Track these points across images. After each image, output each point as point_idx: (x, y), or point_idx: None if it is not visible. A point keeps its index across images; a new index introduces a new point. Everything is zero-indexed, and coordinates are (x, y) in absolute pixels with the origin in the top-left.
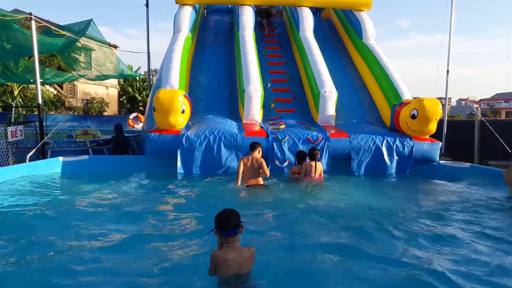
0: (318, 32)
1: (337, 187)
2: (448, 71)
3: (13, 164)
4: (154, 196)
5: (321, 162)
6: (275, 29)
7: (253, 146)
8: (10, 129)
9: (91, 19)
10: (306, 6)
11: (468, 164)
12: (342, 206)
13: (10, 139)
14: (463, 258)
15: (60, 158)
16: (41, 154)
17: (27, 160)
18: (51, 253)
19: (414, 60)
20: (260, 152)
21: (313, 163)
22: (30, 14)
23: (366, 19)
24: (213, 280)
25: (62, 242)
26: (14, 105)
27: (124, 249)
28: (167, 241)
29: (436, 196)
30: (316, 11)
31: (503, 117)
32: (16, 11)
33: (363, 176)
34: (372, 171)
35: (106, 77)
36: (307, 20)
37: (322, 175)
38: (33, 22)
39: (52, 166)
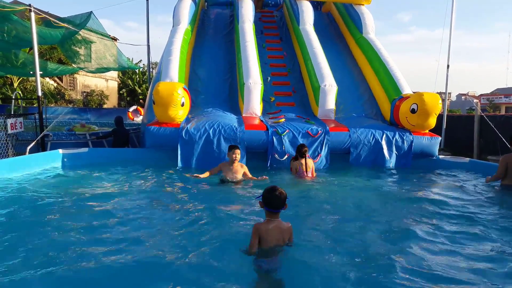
0: (318, 26)
1: (335, 184)
2: (448, 66)
3: (13, 156)
4: (154, 189)
5: (313, 159)
6: (274, 17)
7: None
8: (9, 121)
9: (91, 12)
10: (307, 0)
11: (467, 159)
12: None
13: (9, 131)
14: (467, 255)
15: (60, 151)
16: (41, 147)
17: (27, 153)
18: (51, 249)
19: (414, 55)
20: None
21: (303, 161)
22: (30, 5)
23: (366, 13)
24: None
25: (61, 234)
26: (13, 97)
27: (126, 242)
28: (172, 234)
29: (435, 191)
30: (317, 5)
31: (502, 112)
32: (16, 2)
33: (362, 170)
34: (371, 164)
35: (106, 69)
36: (307, 14)
37: (314, 173)
38: (32, 14)
39: (52, 159)
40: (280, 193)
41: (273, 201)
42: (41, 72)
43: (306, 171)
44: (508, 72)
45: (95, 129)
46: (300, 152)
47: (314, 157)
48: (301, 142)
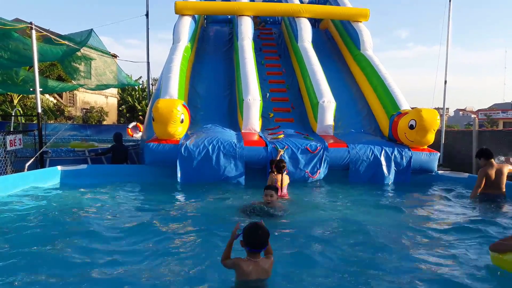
0: (316, 43)
1: (332, 199)
2: (445, 82)
3: (12, 173)
4: (153, 206)
5: (312, 174)
6: (273, 34)
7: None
8: (9, 138)
9: (92, 29)
10: (305, 17)
11: (466, 174)
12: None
13: (8, 148)
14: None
15: (59, 167)
16: (40, 163)
17: (26, 169)
18: (47, 264)
19: (412, 71)
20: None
21: (279, 177)
22: (31, 23)
23: (364, 30)
24: None
25: (58, 252)
26: (13, 114)
27: (123, 260)
28: (168, 253)
29: (434, 207)
30: (315, 22)
31: (500, 127)
32: (17, 20)
33: (361, 186)
34: (370, 180)
35: (106, 86)
36: (306, 31)
37: (286, 190)
38: (33, 32)
39: (51, 176)
40: (262, 232)
41: (255, 241)
42: (41, 89)
43: (281, 187)
44: (505, 88)
45: (95, 145)
46: (278, 167)
47: (313, 173)
48: (301, 158)
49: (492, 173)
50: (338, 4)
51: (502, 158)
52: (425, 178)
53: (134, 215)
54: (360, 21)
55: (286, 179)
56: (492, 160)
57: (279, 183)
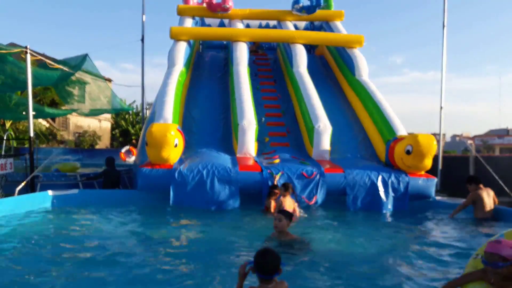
0: (311, 69)
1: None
2: (441, 107)
3: (1, 197)
4: (145, 233)
5: (308, 200)
6: (268, 60)
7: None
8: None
9: (87, 54)
10: (300, 43)
11: (463, 200)
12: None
13: None
14: None
15: (50, 192)
16: (31, 188)
17: (16, 194)
18: None
19: (408, 96)
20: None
21: (284, 200)
22: (26, 47)
23: (359, 55)
24: None
25: (46, 279)
26: (5, 138)
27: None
28: (159, 282)
29: (432, 234)
30: (310, 48)
31: (497, 153)
32: (12, 45)
33: (358, 213)
34: (368, 207)
35: (99, 112)
36: (301, 57)
37: None
38: (28, 56)
39: (41, 200)
40: (273, 258)
41: (265, 267)
42: (34, 113)
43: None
44: (501, 114)
45: (77, 166)
46: (269, 192)
47: (309, 198)
48: (297, 183)
49: (484, 196)
50: (332, 31)
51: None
52: (422, 204)
53: (124, 241)
54: (355, 47)
55: (290, 204)
56: (481, 185)
57: (271, 209)
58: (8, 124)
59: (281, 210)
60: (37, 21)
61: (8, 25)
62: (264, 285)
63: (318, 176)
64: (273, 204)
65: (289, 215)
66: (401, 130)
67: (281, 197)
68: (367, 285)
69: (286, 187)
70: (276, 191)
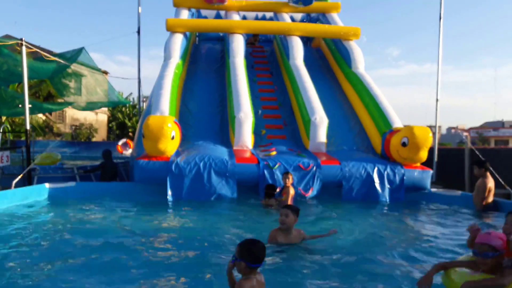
0: (308, 61)
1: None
2: (437, 100)
3: None
4: (142, 224)
5: (305, 192)
6: (265, 52)
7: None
8: None
9: (83, 47)
10: (296, 35)
11: (459, 192)
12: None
13: None
14: None
15: (46, 185)
16: (27, 181)
17: (13, 187)
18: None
19: (404, 88)
20: None
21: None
22: (21, 39)
23: (355, 48)
24: None
25: (44, 272)
26: (1, 131)
27: (111, 281)
28: (156, 273)
29: (428, 226)
30: (306, 41)
31: (492, 145)
32: (7, 36)
33: (354, 204)
34: (363, 198)
35: (96, 105)
36: (297, 49)
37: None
38: (23, 48)
39: (38, 193)
40: (262, 244)
41: (260, 254)
42: (30, 106)
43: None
44: (496, 106)
45: (59, 157)
46: (265, 193)
47: (306, 190)
48: (293, 175)
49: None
50: (329, 23)
51: None
52: (418, 196)
53: (121, 233)
54: (351, 40)
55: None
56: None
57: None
58: (4, 117)
59: (288, 205)
60: (32, 14)
61: (1, 17)
62: (252, 277)
63: (314, 168)
64: (292, 192)
65: (296, 210)
66: (397, 123)
67: (288, 187)
68: (363, 277)
69: (289, 176)
70: (272, 191)
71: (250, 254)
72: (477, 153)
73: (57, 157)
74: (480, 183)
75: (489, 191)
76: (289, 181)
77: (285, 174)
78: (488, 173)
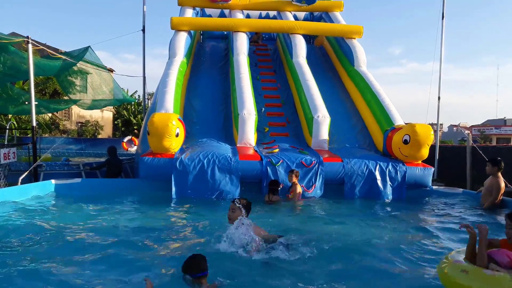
0: (311, 59)
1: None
2: (439, 98)
3: (5, 187)
4: (147, 220)
5: (307, 189)
6: (268, 50)
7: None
8: (2, 151)
9: (89, 46)
10: (299, 34)
11: (460, 190)
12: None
13: (2, 161)
14: None
15: (53, 181)
16: (34, 177)
17: (19, 183)
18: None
19: (406, 87)
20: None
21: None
22: (28, 37)
23: (358, 46)
24: None
25: (50, 269)
26: (7, 127)
27: (116, 277)
28: (162, 269)
29: (429, 223)
30: (309, 39)
31: (494, 143)
32: (14, 34)
33: (357, 201)
34: (365, 195)
35: (101, 104)
36: (300, 47)
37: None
38: (30, 45)
39: (44, 189)
40: (201, 257)
41: (198, 265)
42: (37, 103)
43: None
44: (498, 104)
45: (49, 157)
46: (269, 189)
47: (308, 187)
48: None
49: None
50: (332, 21)
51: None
52: (419, 193)
53: (126, 229)
54: (354, 38)
55: (300, 190)
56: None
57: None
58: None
59: (236, 199)
60: (39, 11)
61: (9, 15)
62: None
63: (317, 165)
64: (299, 189)
65: (247, 205)
66: (399, 120)
67: (295, 184)
68: (366, 274)
69: (296, 174)
70: (276, 186)
71: (189, 267)
72: (479, 150)
73: (47, 156)
74: (492, 182)
75: (502, 191)
76: (295, 178)
77: (291, 172)
78: (499, 173)
